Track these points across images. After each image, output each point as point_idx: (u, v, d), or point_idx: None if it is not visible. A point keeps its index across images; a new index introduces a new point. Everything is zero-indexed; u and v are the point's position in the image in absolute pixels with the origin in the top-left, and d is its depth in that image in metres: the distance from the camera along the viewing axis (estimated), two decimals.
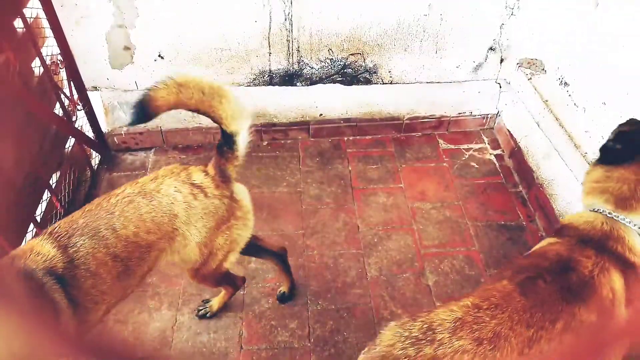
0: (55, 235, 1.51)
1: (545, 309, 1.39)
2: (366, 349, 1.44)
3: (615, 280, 1.53)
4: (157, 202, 1.64)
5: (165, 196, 1.66)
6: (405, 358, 1.32)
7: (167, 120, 2.97)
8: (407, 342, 1.36)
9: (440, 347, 1.30)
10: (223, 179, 1.78)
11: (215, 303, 2.24)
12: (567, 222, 1.70)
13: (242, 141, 1.76)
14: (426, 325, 1.39)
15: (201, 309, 2.25)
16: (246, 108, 1.71)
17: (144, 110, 1.59)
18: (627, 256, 1.55)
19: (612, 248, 1.57)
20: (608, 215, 1.61)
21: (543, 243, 1.70)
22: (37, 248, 1.47)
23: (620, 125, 1.73)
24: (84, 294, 1.49)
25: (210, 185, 1.75)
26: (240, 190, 1.88)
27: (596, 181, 1.68)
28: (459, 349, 1.29)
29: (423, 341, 1.35)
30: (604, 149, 1.69)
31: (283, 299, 2.30)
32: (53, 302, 1.40)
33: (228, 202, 1.78)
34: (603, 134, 2.23)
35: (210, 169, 1.79)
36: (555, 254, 1.56)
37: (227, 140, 1.74)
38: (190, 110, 1.67)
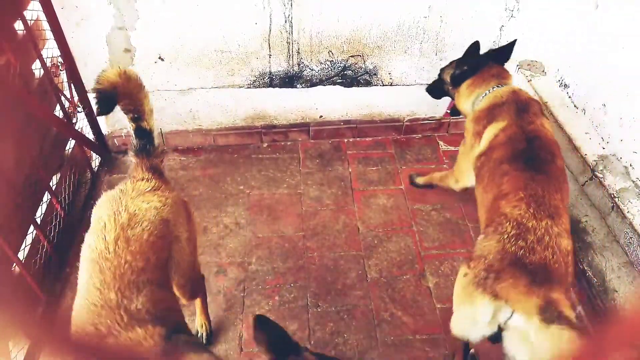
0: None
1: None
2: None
3: (545, 121, 2.06)
4: (146, 223, 1.57)
5: (147, 211, 1.60)
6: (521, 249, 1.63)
7: (167, 122, 2.97)
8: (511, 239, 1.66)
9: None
10: (161, 177, 1.79)
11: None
12: (487, 105, 2.16)
13: (156, 137, 1.82)
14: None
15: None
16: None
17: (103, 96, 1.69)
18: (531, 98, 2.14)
19: (525, 99, 2.08)
20: (498, 86, 2.20)
21: (489, 135, 2.07)
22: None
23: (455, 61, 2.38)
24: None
25: (161, 185, 1.74)
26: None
27: (469, 90, 2.29)
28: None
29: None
30: (455, 78, 2.36)
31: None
32: None
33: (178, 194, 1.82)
34: (603, 135, 2.23)
35: (145, 174, 1.75)
36: (519, 132, 1.97)
37: (146, 137, 1.77)
38: (121, 99, 1.73)
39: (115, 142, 3.00)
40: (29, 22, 2.33)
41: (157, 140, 1.82)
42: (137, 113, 1.74)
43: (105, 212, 1.58)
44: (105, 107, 1.70)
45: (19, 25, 2.29)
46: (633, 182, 2.09)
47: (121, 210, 1.57)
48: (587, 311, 2.25)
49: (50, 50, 2.54)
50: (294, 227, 2.64)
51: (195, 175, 2.92)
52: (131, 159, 1.79)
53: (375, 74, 2.92)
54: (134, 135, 1.77)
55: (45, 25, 2.47)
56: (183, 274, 1.74)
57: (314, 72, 2.86)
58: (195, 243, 1.85)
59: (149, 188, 1.68)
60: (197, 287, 1.98)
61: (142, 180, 1.71)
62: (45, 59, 2.46)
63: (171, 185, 1.81)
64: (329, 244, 2.56)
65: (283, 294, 2.34)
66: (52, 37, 2.51)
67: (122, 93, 1.71)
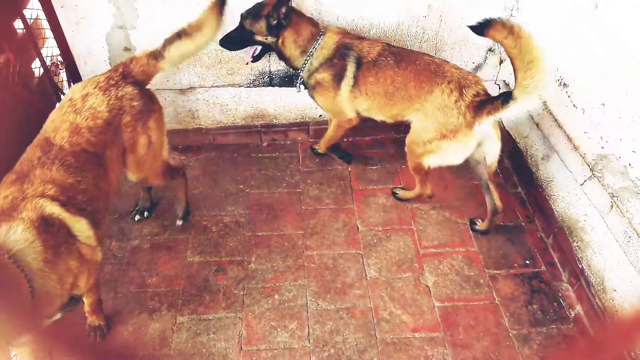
0: (387, 48, 2.47)
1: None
2: None
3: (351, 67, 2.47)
4: (434, 76, 2.30)
5: (441, 77, 2.30)
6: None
7: (167, 121, 2.96)
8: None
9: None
10: (476, 109, 2.21)
11: (403, 194, 2.76)
12: (329, 55, 2.50)
13: (512, 106, 2.08)
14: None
15: (396, 193, 2.78)
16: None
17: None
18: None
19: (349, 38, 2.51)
20: (321, 33, 2.50)
21: (351, 70, 2.49)
22: (374, 43, 2.50)
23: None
24: (364, 82, 2.46)
25: (466, 101, 2.23)
26: (486, 133, 2.30)
27: (298, 39, 2.47)
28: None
29: None
30: (275, 27, 2.44)
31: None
32: None
33: (462, 121, 2.25)
34: (602, 134, 2.23)
35: (480, 97, 2.24)
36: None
37: (506, 97, 2.08)
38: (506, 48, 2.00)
39: None
40: (28, 21, 2.33)
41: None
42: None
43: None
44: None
45: (18, 24, 2.29)
46: (632, 181, 2.09)
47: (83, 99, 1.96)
48: (586, 310, 2.26)
49: (50, 49, 2.55)
50: (294, 226, 2.64)
51: (195, 174, 2.92)
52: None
53: None
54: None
55: (45, 24, 2.48)
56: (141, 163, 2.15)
57: None
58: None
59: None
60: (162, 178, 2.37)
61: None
62: (45, 58, 2.47)
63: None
64: (328, 242, 2.56)
65: (282, 292, 2.34)
66: (51, 35, 2.51)
67: None
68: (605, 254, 2.17)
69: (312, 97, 2.63)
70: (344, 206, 2.76)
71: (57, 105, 1.93)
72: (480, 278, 2.41)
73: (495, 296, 2.34)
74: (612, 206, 2.10)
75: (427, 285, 2.38)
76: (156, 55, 2.09)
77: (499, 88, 3.05)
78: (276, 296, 2.33)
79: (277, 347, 2.14)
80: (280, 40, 2.47)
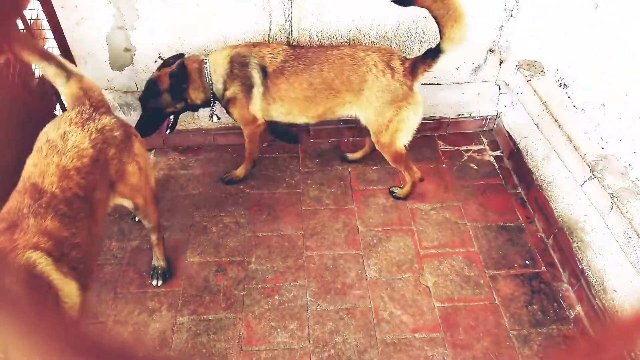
0: (290, 51, 2.43)
1: None
2: None
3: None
4: (357, 66, 2.34)
5: (365, 65, 2.34)
6: None
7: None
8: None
9: None
10: (412, 74, 2.34)
11: (401, 192, 2.78)
12: (225, 75, 2.47)
13: (442, 59, 2.26)
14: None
15: (394, 192, 2.81)
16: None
17: None
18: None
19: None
20: (205, 61, 2.49)
21: (258, 78, 2.48)
22: (275, 50, 2.43)
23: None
24: (276, 90, 2.44)
25: (400, 71, 2.34)
26: (419, 89, 2.42)
27: (198, 88, 2.48)
28: None
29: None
30: (181, 91, 2.46)
31: None
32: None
33: (406, 89, 2.36)
34: (602, 135, 2.23)
35: (408, 62, 2.35)
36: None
37: (435, 52, 2.25)
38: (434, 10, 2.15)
39: None
40: (29, 21, 2.33)
41: (438, 60, 2.30)
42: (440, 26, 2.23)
43: (361, 47, 2.37)
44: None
45: (19, 25, 2.29)
46: (632, 181, 2.09)
47: (365, 52, 2.39)
48: (586, 311, 2.26)
49: (50, 49, 2.54)
50: (294, 227, 2.64)
51: (195, 175, 2.92)
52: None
53: None
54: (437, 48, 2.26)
55: (45, 24, 2.48)
56: (374, 132, 2.52)
57: None
58: (385, 122, 2.46)
59: (392, 65, 2.37)
60: (391, 158, 2.62)
61: (399, 60, 2.38)
62: None
63: (408, 84, 2.37)
64: (328, 243, 2.56)
65: (282, 293, 2.34)
66: (52, 36, 2.51)
67: None
68: (606, 255, 2.17)
69: (230, 114, 2.61)
70: (344, 207, 2.76)
71: (35, 149, 1.77)
72: (480, 278, 2.41)
73: (495, 297, 2.34)
74: (612, 207, 2.10)
75: (427, 286, 2.38)
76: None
77: (499, 88, 3.05)
78: (276, 297, 2.33)
79: (277, 347, 2.14)
80: (188, 99, 2.50)
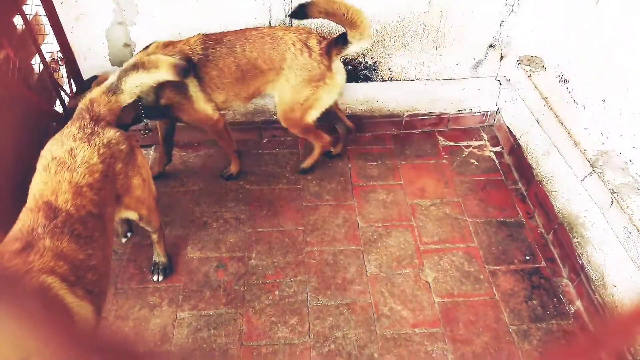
0: (207, 39, 2.35)
1: None
2: None
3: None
4: (276, 45, 2.36)
5: (284, 44, 2.36)
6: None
7: None
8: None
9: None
10: (328, 54, 2.39)
11: (308, 162, 2.87)
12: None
13: (352, 48, 2.36)
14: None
15: (303, 168, 2.90)
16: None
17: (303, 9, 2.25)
18: None
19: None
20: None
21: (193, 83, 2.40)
22: (190, 41, 2.34)
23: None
24: (209, 78, 2.35)
25: (317, 50, 2.38)
26: (339, 68, 2.48)
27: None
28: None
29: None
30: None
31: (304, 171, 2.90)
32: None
33: (323, 68, 2.40)
34: (603, 130, 2.23)
35: (325, 42, 2.40)
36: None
37: (343, 41, 2.34)
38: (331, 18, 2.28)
39: None
40: (28, 17, 2.33)
41: (348, 47, 2.37)
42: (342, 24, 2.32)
43: (279, 26, 2.37)
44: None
45: (18, 20, 2.29)
46: (632, 177, 2.09)
47: (283, 31, 2.40)
48: (585, 306, 2.26)
49: (50, 45, 2.54)
50: (294, 222, 2.65)
51: (195, 170, 2.93)
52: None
53: (375, 70, 2.91)
54: (343, 35, 2.35)
55: (45, 20, 2.47)
56: (283, 109, 2.54)
57: None
58: (300, 99, 2.48)
59: (309, 44, 2.40)
60: (300, 131, 2.69)
61: (316, 40, 2.41)
62: (44, 54, 2.46)
63: (325, 63, 2.41)
64: (328, 238, 2.57)
65: (283, 288, 2.35)
66: (51, 32, 2.51)
67: None
68: (606, 250, 2.17)
69: (181, 121, 2.54)
70: (344, 202, 2.76)
71: (40, 167, 1.70)
72: (480, 274, 2.42)
73: (495, 292, 2.35)
74: (612, 202, 2.10)
75: (427, 281, 2.39)
76: (114, 90, 1.93)
77: (500, 84, 3.05)
78: (277, 292, 2.33)
79: (278, 342, 2.15)
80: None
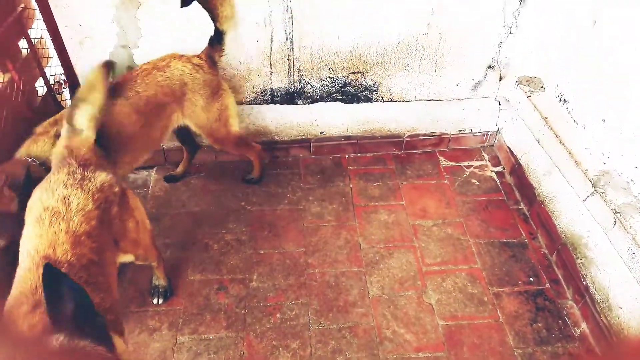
0: None
1: None
2: None
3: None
4: (169, 74, 2.29)
5: (177, 70, 2.32)
6: None
7: (170, 139, 2.98)
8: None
9: None
10: (213, 63, 2.46)
11: (255, 173, 2.94)
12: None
13: (228, 39, 2.44)
14: None
15: (251, 178, 2.96)
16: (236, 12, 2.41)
17: None
18: None
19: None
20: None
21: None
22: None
23: None
24: (112, 139, 2.06)
25: (204, 65, 2.41)
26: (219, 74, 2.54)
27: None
28: None
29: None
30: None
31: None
32: None
33: (216, 78, 2.47)
34: (603, 150, 2.23)
35: (202, 55, 2.44)
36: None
37: (218, 36, 2.41)
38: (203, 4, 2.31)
39: None
40: (33, 40, 2.36)
41: (225, 41, 2.46)
42: (212, 16, 2.37)
43: (155, 59, 2.31)
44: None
45: (23, 44, 2.32)
46: (635, 197, 2.08)
47: (163, 61, 2.37)
48: (591, 328, 2.23)
49: (54, 68, 2.57)
50: (295, 243, 2.63)
51: (196, 192, 2.92)
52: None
53: (375, 90, 2.94)
54: (215, 30, 2.42)
55: (49, 43, 2.50)
56: (208, 134, 2.55)
57: (314, 88, 2.88)
58: (215, 116, 2.49)
59: (195, 62, 2.41)
60: (233, 147, 2.71)
61: (197, 57, 2.43)
62: (48, 77, 2.49)
63: (215, 73, 2.48)
64: (330, 260, 2.55)
65: (284, 311, 2.32)
66: (55, 55, 2.54)
67: None
68: (610, 271, 2.15)
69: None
70: (346, 223, 2.75)
71: (28, 221, 1.63)
72: (484, 296, 2.39)
73: (499, 314, 2.31)
74: (615, 222, 2.09)
75: (430, 303, 2.36)
76: (77, 132, 1.86)
77: (499, 104, 3.06)
78: (278, 315, 2.30)
79: None
80: None
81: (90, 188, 1.72)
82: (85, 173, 1.76)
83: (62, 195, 1.65)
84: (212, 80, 2.43)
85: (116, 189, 1.82)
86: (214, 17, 2.34)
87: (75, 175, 1.73)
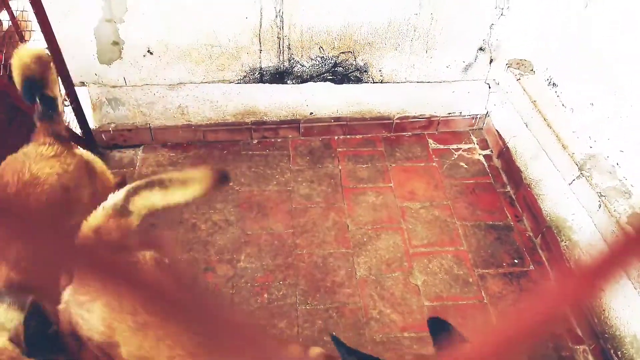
0: None
1: None
2: None
3: None
4: (47, 186, 1.72)
5: (49, 175, 1.74)
6: None
7: (156, 117, 2.94)
8: None
9: None
10: (63, 141, 1.89)
11: None
12: None
13: (60, 103, 1.96)
14: None
15: None
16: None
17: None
18: None
19: None
20: None
21: None
22: None
23: None
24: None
25: (64, 150, 1.86)
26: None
27: None
28: None
29: None
30: None
31: None
32: None
33: (80, 158, 1.93)
34: (590, 134, 2.25)
35: (47, 139, 1.85)
36: None
37: (49, 104, 1.88)
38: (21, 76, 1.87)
39: (103, 137, 2.95)
40: (14, 12, 2.29)
41: (59, 107, 1.95)
42: (38, 83, 1.88)
43: (8, 171, 1.71)
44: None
45: (4, 16, 2.25)
46: (620, 180, 2.11)
47: (25, 171, 1.71)
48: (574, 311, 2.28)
49: (37, 42, 2.50)
50: (284, 224, 2.63)
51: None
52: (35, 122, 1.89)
53: (365, 71, 2.91)
54: (38, 102, 1.88)
55: (32, 16, 2.43)
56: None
57: (304, 68, 2.85)
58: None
59: (52, 153, 1.81)
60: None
61: (45, 145, 1.83)
62: None
63: (74, 150, 1.96)
64: (318, 241, 2.55)
65: (272, 291, 2.33)
66: (38, 28, 2.47)
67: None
68: (593, 254, 2.19)
69: None
70: (334, 204, 2.75)
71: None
72: (469, 277, 2.42)
73: (484, 295, 2.35)
74: (600, 206, 2.12)
75: (416, 284, 2.39)
76: (122, 213, 1.62)
77: (489, 87, 3.06)
78: (265, 295, 2.31)
79: None
80: None
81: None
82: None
83: None
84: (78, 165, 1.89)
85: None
86: (43, 85, 1.88)
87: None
